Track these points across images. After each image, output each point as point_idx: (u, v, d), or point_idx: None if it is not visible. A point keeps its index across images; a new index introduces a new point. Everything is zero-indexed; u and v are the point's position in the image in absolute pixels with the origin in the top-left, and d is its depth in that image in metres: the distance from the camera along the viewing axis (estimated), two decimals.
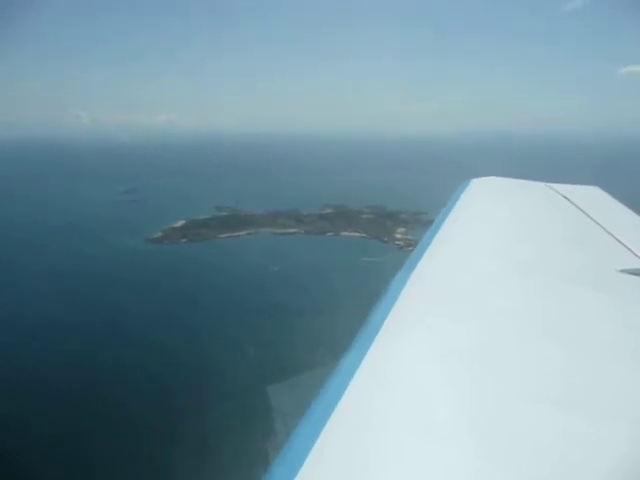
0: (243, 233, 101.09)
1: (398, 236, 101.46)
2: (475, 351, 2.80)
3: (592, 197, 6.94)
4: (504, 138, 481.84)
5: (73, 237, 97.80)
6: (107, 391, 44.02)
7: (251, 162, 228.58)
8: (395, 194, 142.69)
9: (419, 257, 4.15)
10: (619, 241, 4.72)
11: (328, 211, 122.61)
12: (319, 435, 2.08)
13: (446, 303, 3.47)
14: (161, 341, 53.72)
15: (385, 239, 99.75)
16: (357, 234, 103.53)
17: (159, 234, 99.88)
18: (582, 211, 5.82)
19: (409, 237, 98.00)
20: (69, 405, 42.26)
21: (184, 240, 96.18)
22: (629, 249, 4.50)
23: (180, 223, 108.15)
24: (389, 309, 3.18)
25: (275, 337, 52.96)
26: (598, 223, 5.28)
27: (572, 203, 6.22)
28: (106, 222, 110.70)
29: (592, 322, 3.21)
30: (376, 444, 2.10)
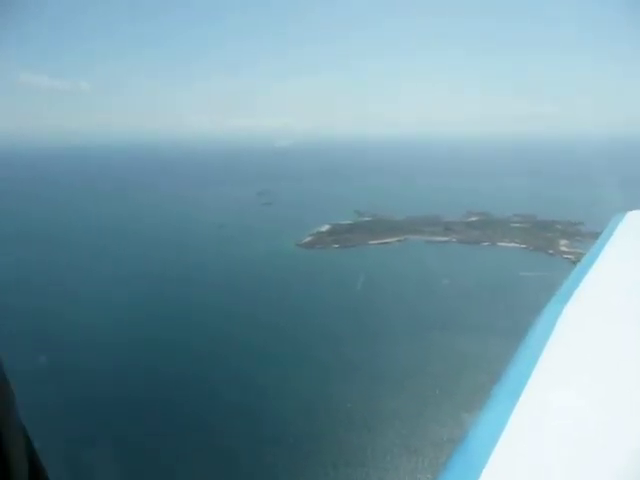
0: (393, 240, 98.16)
1: (564, 249, 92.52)
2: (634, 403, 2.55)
3: None
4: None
5: (227, 241, 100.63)
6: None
7: (376, 165, 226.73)
8: (541, 201, 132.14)
9: (568, 296, 3.83)
10: None
11: (473, 219, 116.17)
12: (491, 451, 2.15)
13: (601, 348, 3.07)
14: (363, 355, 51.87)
15: (550, 251, 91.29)
16: (515, 245, 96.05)
17: (309, 238, 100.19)
18: None
19: (577, 250, 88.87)
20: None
21: (336, 246, 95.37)
22: None
23: (325, 228, 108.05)
24: (542, 346, 2.96)
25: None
26: None
27: None
28: (252, 225, 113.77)
29: None
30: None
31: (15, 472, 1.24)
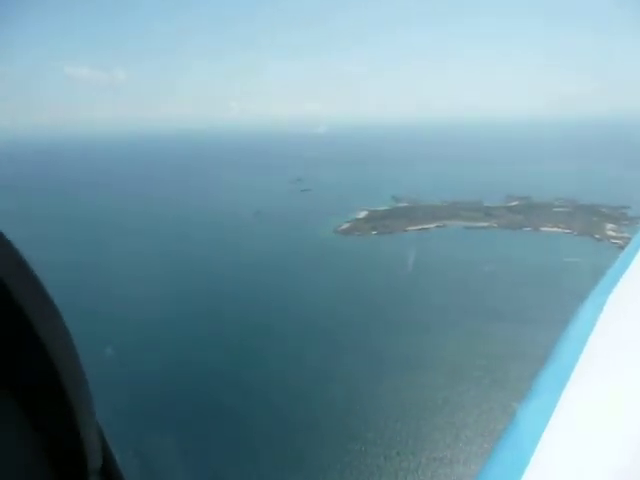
0: (432, 226, 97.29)
1: (611, 233, 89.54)
2: None
3: None
4: None
5: (265, 227, 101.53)
6: None
7: (410, 150, 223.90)
8: (583, 184, 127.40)
9: (613, 283, 3.38)
10: None
11: (514, 203, 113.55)
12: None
13: None
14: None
15: (597, 236, 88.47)
16: (559, 230, 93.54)
17: (346, 225, 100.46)
18: None
19: (625, 235, 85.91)
20: None
21: (374, 232, 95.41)
22: None
23: (363, 214, 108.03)
24: (586, 336, 2.75)
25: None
26: None
27: None
28: (289, 212, 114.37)
29: None
30: None
31: (89, 459, 1.30)
